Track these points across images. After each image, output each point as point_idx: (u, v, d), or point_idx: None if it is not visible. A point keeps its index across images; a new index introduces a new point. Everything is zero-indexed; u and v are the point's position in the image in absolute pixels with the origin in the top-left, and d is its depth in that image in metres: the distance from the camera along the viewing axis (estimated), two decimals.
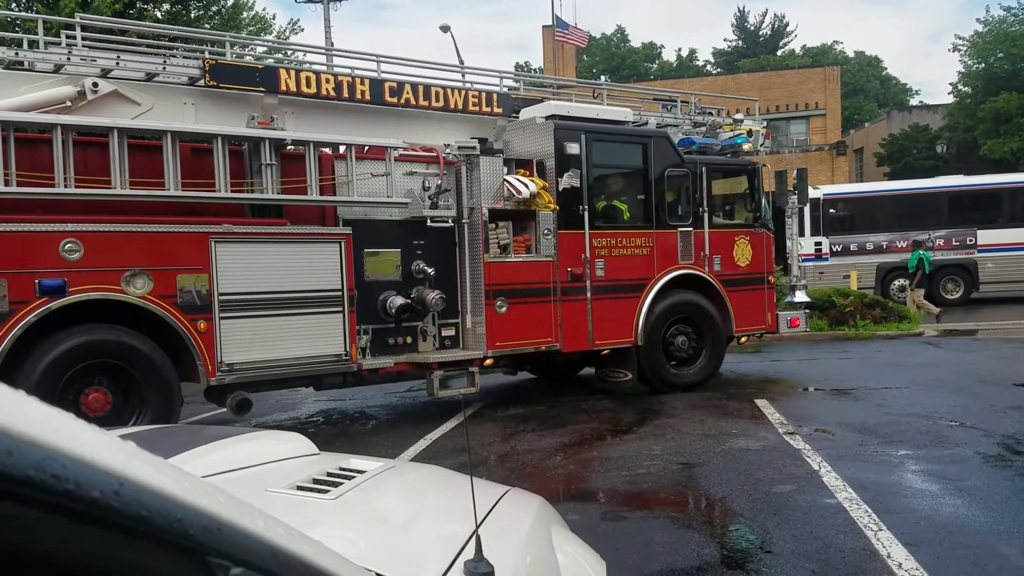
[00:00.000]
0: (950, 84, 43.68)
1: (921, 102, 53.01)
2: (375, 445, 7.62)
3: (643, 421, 8.28)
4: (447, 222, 8.51)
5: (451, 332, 8.73)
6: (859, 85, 60.29)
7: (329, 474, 1.69)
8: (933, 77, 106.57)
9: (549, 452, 7.04)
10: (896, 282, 21.60)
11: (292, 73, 8.29)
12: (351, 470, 1.74)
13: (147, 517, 0.56)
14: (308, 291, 7.55)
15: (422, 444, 7.51)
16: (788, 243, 15.86)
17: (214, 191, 7.21)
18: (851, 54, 65.85)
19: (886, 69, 68.11)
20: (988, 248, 21.09)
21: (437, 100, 9.09)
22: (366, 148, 8.17)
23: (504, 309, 8.63)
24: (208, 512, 0.60)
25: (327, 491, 1.55)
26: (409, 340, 8.42)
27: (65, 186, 6.54)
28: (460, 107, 9.24)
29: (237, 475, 1.69)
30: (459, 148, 8.57)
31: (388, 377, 8.71)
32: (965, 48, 37.73)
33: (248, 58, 9.28)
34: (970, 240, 21.30)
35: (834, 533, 4.57)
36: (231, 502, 0.63)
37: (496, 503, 1.68)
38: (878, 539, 4.39)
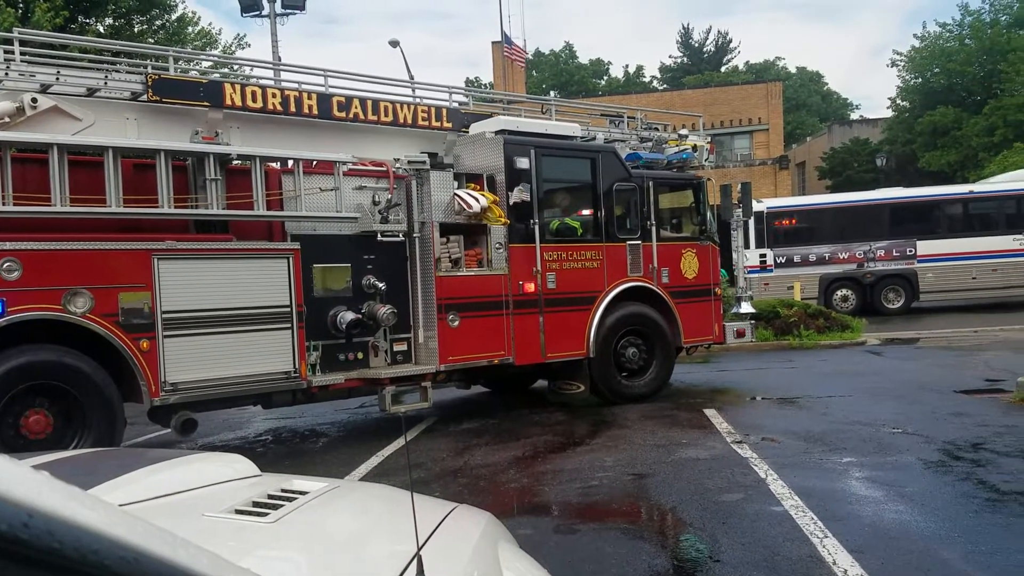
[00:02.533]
0: (889, 99, 45.01)
1: (861, 116, 54.64)
2: (326, 463, 7.52)
3: (595, 433, 8.32)
4: (398, 236, 8.47)
5: (403, 347, 8.68)
6: (801, 100, 61.83)
7: (270, 496, 1.65)
8: (873, 92, 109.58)
9: (503, 466, 7.03)
10: (839, 292, 22.15)
11: (237, 88, 8.18)
12: (293, 492, 1.71)
13: (58, 549, 0.54)
14: (255, 308, 7.43)
15: (374, 461, 7.43)
16: (734, 255, 16.19)
17: (157, 207, 7.07)
18: (793, 70, 67.53)
19: (827, 84, 70.00)
20: (928, 258, 21.73)
21: (386, 115, 9.06)
22: (314, 163, 8.10)
23: (456, 323, 8.61)
24: (125, 542, 0.58)
25: (266, 514, 1.52)
26: (360, 356, 8.34)
27: (3, 203, 6.38)
28: (410, 122, 9.22)
29: (173, 500, 1.64)
30: (409, 163, 8.55)
31: (339, 394, 8.61)
32: (903, 63, 39.05)
33: (193, 73, 9.13)
34: (910, 251, 21.93)
35: (781, 541, 4.65)
36: (150, 531, 0.61)
37: (442, 521, 1.66)
38: (824, 546, 4.47)
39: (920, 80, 38.23)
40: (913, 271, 21.84)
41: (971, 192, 22.92)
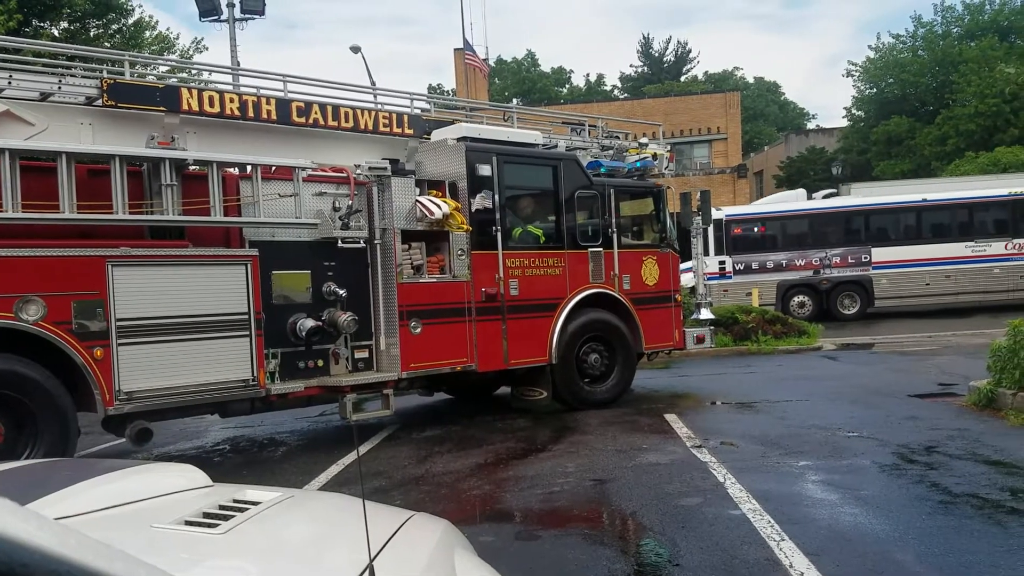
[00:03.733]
0: (844, 108, 45.95)
1: (818, 126, 55.74)
2: (284, 472, 7.43)
3: (558, 439, 8.34)
4: (359, 243, 8.42)
5: (364, 354, 8.61)
6: (759, 110, 62.86)
7: (221, 507, 1.63)
8: (829, 102, 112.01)
9: (465, 473, 7.01)
10: (796, 298, 22.51)
11: (194, 92, 8.08)
12: (245, 502, 1.68)
13: None
14: (212, 315, 7.33)
15: (334, 470, 7.36)
16: (693, 262, 16.37)
17: (111, 213, 6.94)
18: (751, 80, 68.62)
19: (784, 94, 71.29)
20: (882, 265, 22.19)
21: (347, 120, 9.01)
22: (273, 168, 8.02)
23: (419, 330, 8.58)
24: (57, 556, 0.57)
25: (216, 525, 1.49)
26: (321, 363, 8.26)
27: None
28: (371, 128, 9.18)
29: (121, 511, 1.61)
30: (370, 169, 8.51)
31: (299, 402, 8.51)
32: (858, 74, 39.92)
33: (151, 77, 8.99)
34: (865, 257, 22.37)
35: (739, 544, 4.70)
36: (85, 543, 0.60)
37: (397, 530, 1.65)
38: (781, 549, 4.53)
39: (874, 90, 39.12)
40: (868, 277, 22.28)
41: (924, 200, 23.45)
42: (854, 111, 41.17)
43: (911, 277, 22.04)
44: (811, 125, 61.58)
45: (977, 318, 19.26)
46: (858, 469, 6.39)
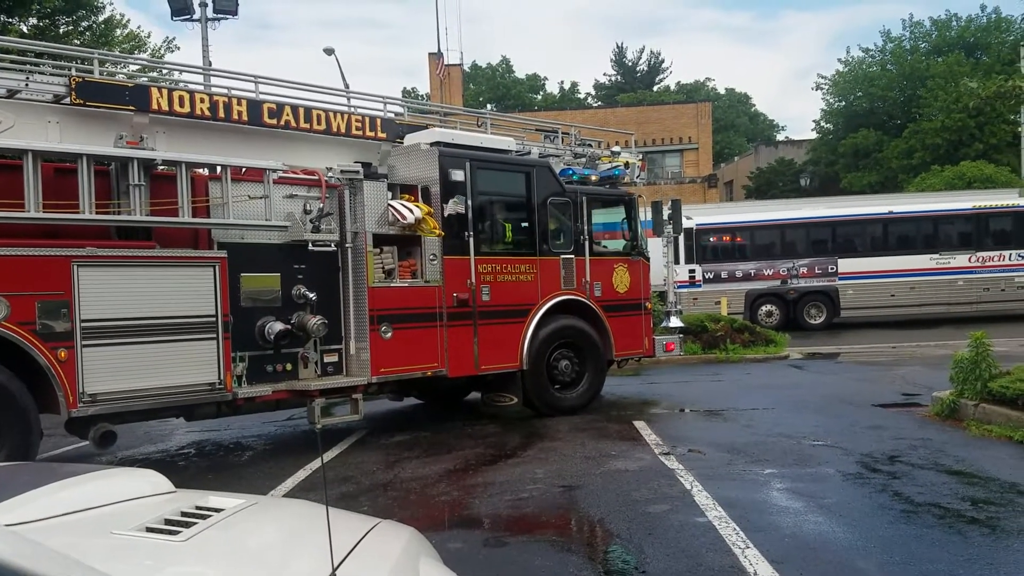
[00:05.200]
0: (813, 121, 46.67)
1: (787, 137, 56.53)
2: (250, 477, 7.35)
3: (527, 445, 8.34)
4: (330, 246, 8.37)
5: (334, 358, 8.56)
6: (729, 121, 63.54)
7: (183, 513, 1.61)
8: (798, 114, 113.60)
9: (434, 479, 6.98)
10: (763, 307, 22.76)
11: (164, 92, 7.99)
12: (208, 509, 1.66)
13: None
14: (179, 317, 7.25)
15: (301, 475, 7.29)
16: (664, 270, 16.49)
17: (78, 213, 6.83)
18: (722, 91, 69.31)
19: (755, 106, 72.07)
20: (848, 276, 22.51)
21: (319, 123, 8.97)
22: (243, 170, 7.95)
23: (389, 334, 8.54)
24: (11, 565, 0.56)
25: (178, 532, 1.47)
26: (289, 367, 8.19)
27: None
28: (343, 131, 9.14)
29: (82, 517, 1.58)
30: (342, 172, 8.47)
31: (266, 406, 8.44)
32: (827, 87, 40.51)
33: (120, 76, 8.88)
34: (831, 268, 22.69)
35: (704, 551, 4.73)
36: (40, 553, 0.59)
37: (362, 538, 1.64)
38: (745, 556, 4.57)
39: (843, 103, 39.71)
40: (835, 288, 22.60)
41: (890, 212, 23.85)
42: (823, 124, 41.76)
43: (876, 288, 22.39)
44: (781, 137, 62.42)
45: (941, 329, 19.60)
46: (822, 477, 6.47)
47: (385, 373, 8.58)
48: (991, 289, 21.95)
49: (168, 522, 1.54)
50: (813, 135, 43.42)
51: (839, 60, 53.72)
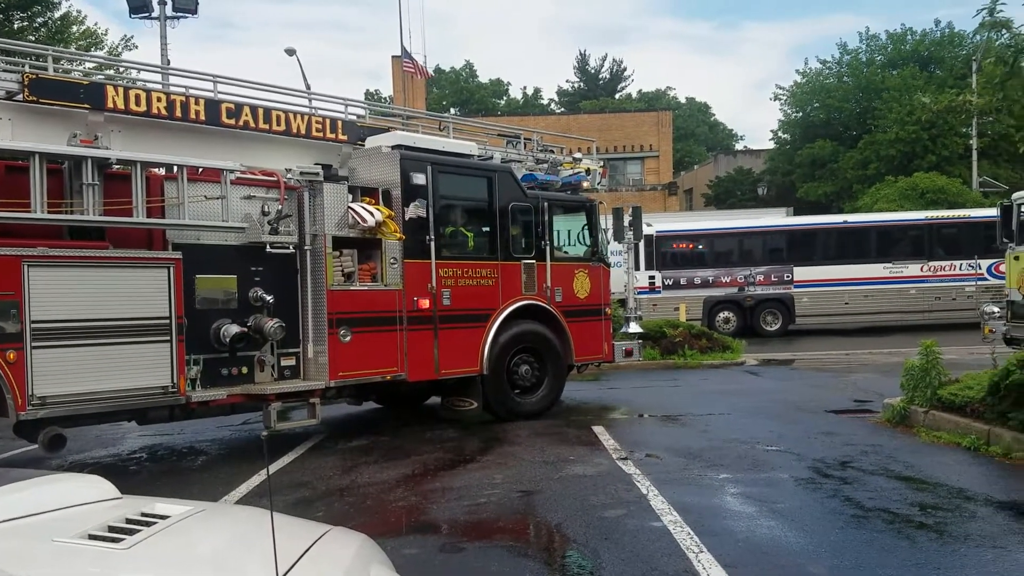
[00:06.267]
0: (771, 131, 47.41)
1: (745, 147, 57.32)
2: (204, 483, 7.24)
3: (486, 450, 8.34)
4: (288, 248, 8.28)
5: (291, 362, 8.46)
6: (689, 130, 64.29)
7: (128, 520, 1.58)
8: (757, 124, 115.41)
9: (391, 484, 6.94)
10: (721, 314, 23.09)
11: (120, 90, 7.84)
12: (154, 515, 1.63)
13: None
14: (132, 319, 7.12)
15: (256, 480, 7.19)
16: (625, 277, 16.64)
17: (29, 212, 6.68)
18: (683, 100, 70.15)
19: (714, 115, 73.01)
20: (803, 284, 22.95)
21: (278, 124, 8.87)
22: (200, 170, 7.84)
23: (348, 338, 8.47)
24: None
25: (121, 540, 1.44)
26: (245, 370, 8.08)
27: None
28: (303, 132, 9.05)
29: (23, 523, 1.54)
30: (302, 173, 8.40)
31: (221, 410, 8.31)
32: (785, 97, 41.12)
33: (76, 74, 8.70)
34: (787, 276, 23.10)
35: (659, 556, 4.77)
36: None
37: (311, 545, 1.62)
38: (699, 560, 4.62)
39: (800, 114, 40.36)
40: (790, 295, 23.01)
41: (845, 222, 24.40)
42: (780, 134, 42.37)
43: (831, 296, 22.84)
44: (739, 146, 63.26)
45: (893, 337, 20.02)
46: (776, 482, 6.57)
47: (344, 377, 8.51)
48: (942, 298, 22.51)
49: (112, 529, 1.51)
50: (771, 145, 44.06)
51: (797, 71, 54.68)
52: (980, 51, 5.61)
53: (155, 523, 1.58)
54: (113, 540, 1.45)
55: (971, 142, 29.27)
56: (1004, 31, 5.35)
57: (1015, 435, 7.10)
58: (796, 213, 29.12)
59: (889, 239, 23.35)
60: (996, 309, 14.33)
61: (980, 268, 22.08)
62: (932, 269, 22.76)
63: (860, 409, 10.24)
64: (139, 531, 1.50)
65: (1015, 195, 14.70)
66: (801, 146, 38.75)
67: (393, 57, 40.67)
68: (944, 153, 32.54)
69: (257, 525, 1.84)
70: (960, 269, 22.48)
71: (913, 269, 22.80)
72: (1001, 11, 5.44)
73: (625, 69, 67.36)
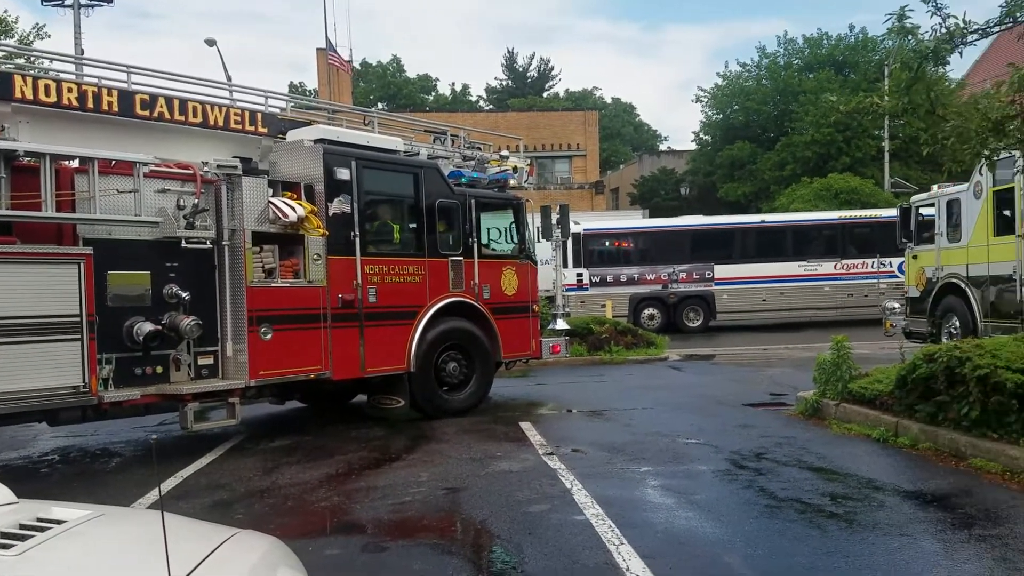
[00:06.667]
0: (693, 132, 48.39)
1: (669, 147, 58.40)
2: (117, 485, 6.99)
3: (413, 448, 8.29)
4: (205, 244, 8.07)
5: (209, 361, 8.24)
6: (615, 130, 65.17)
7: (22, 526, 1.51)
8: (680, 125, 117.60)
9: (313, 484, 6.83)
10: (646, 311, 23.53)
11: (28, 80, 7.51)
12: (50, 520, 1.56)
13: None
14: (40, 316, 6.83)
15: (172, 482, 7.00)
16: (553, 274, 16.78)
17: None
18: (609, 100, 71.01)
19: (639, 115, 74.12)
20: (723, 281, 23.59)
21: (195, 115, 8.63)
22: (113, 163, 7.56)
23: (269, 336, 8.30)
24: None
25: (12, 546, 1.38)
26: (160, 370, 7.84)
27: None
28: (221, 124, 8.83)
29: None
30: (219, 166, 8.18)
31: (136, 410, 8.08)
32: (706, 100, 42.03)
33: None
34: (708, 274, 23.71)
35: (580, 549, 4.83)
36: None
37: (214, 550, 1.58)
38: (619, 553, 4.70)
39: (721, 116, 41.31)
40: (711, 292, 23.63)
41: (763, 222, 25.17)
42: (702, 135, 43.28)
43: (749, 293, 23.53)
44: (663, 147, 64.38)
45: (809, 332, 20.71)
46: (694, 474, 6.73)
47: (265, 376, 8.33)
48: (855, 295, 23.41)
49: (2, 535, 1.44)
50: (692, 146, 44.98)
51: (718, 74, 55.88)
52: (892, 56, 5.87)
53: (51, 528, 1.51)
54: (3, 546, 1.38)
55: (883, 144, 30.49)
56: (910, 37, 5.59)
57: (922, 427, 7.43)
58: (717, 213, 29.84)
59: (804, 238, 24.20)
60: (896, 305, 15.25)
61: (891, 266, 23.03)
62: (845, 267, 23.66)
63: (776, 402, 10.58)
64: (33, 536, 1.44)
65: (914, 198, 15.66)
66: (721, 147, 39.65)
67: (318, 50, 40.02)
68: (857, 155, 33.79)
69: (158, 529, 1.78)
70: (872, 267, 23.41)
71: (827, 267, 23.66)
72: (909, 18, 5.69)
73: (552, 68, 67.83)
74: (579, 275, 23.29)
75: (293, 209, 8.34)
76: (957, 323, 13.12)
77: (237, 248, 8.21)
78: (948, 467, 6.63)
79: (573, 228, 20.80)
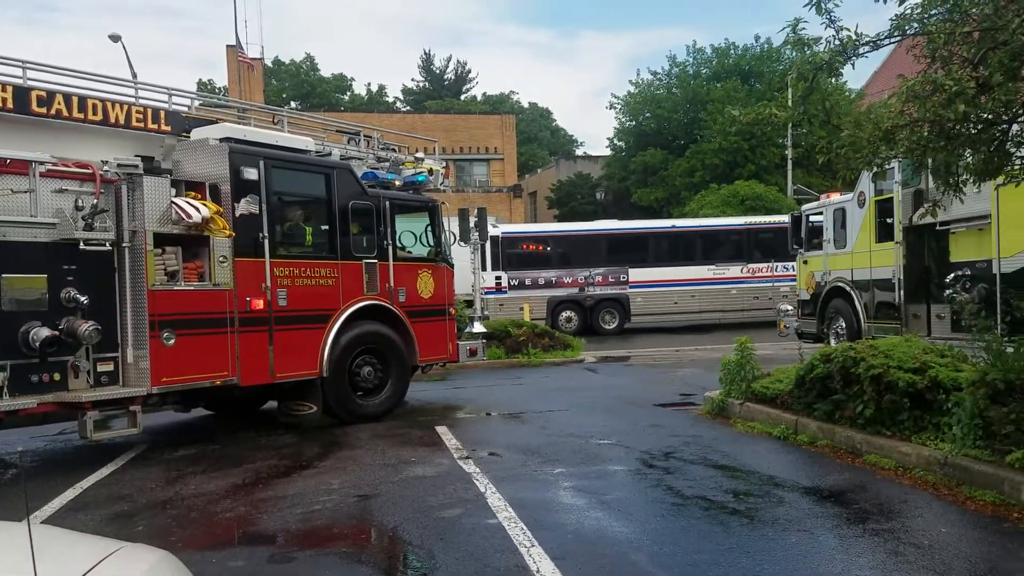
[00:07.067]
0: (608, 138, 49.19)
1: (585, 153, 59.10)
2: (14, 497, 6.63)
3: (325, 455, 8.15)
4: (104, 246, 7.77)
5: (109, 367, 7.93)
6: (533, 134, 65.61)
7: None
8: (596, 131, 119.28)
9: (219, 495, 6.64)
10: (564, 313, 23.83)
11: None
12: None
13: None
14: None
15: (71, 494, 6.70)
16: (472, 277, 16.80)
17: None
18: (526, 104, 71.45)
19: (556, 121, 74.81)
20: (638, 284, 24.10)
21: (95, 113, 8.30)
22: (8, 161, 7.20)
23: (172, 341, 8.03)
24: None
25: None
26: (58, 377, 7.51)
27: None
28: (122, 122, 8.51)
29: None
30: (119, 165, 7.88)
31: (32, 419, 7.77)
32: (620, 106, 42.78)
33: None
34: (623, 277, 24.18)
35: (492, 552, 4.85)
36: None
37: (96, 564, 1.51)
38: (530, 555, 4.73)
39: (634, 123, 42.12)
40: (626, 295, 24.11)
41: (674, 227, 25.85)
42: (616, 141, 44.03)
43: (662, 296, 24.13)
44: (580, 152, 65.20)
45: (718, 334, 21.34)
46: (606, 475, 6.84)
47: (167, 383, 8.06)
48: (760, 298, 24.25)
49: None
50: (607, 152, 45.69)
51: (630, 82, 56.94)
52: (794, 68, 6.11)
53: None
54: None
55: (786, 152, 31.67)
56: (806, 49, 5.82)
57: (819, 424, 7.75)
58: (632, 218, 30.44)
59: (713, 243, 24.98)
60: (789, 307, 16.17)
61: (792, 270, 23.93)
62: (751, 271, 24.51)
63: (685, 402, 10.85)
64: None
65: (804, 207, 16.63)
66: (635, 154, 40.43)
67: (228, 47, 38.98)
68: (762, 162, 34.99)
69: (41, 544, 1.69)
70: (776, 271, 24.30)
71: (734, 271, 24.46)
72: (804, 29, 5.92)
73: (470, 71, 67.87)
74: (498, 278, 23.40)
75: (197, 210, 8.10)
76: (843, 324, 13.92)
77: (138, 250, 7.92)
78: (845, 463, 6.92)
79: (492, 231, 20.91)
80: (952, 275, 10.71)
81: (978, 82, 5.45)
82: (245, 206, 8.65)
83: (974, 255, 10.45)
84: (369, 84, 70.31)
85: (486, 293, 21.39)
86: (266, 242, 8.91)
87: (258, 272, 8.85)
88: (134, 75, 23.89)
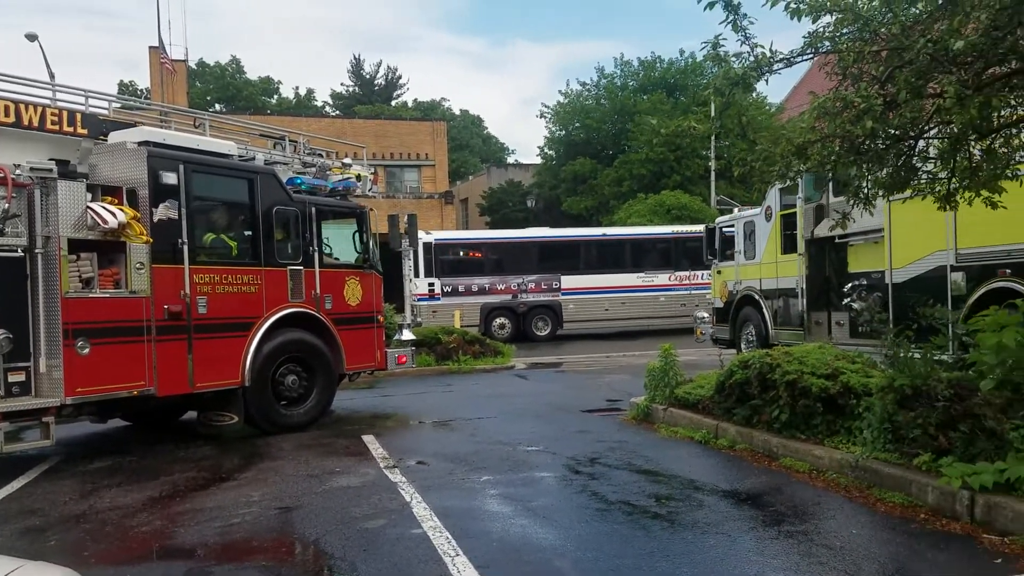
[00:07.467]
0: (538, 147, 49.58)
1: (516, 161, 59.46)
2: None
3: (246, 466, 7.98)
4: (16, 252, 7.51)
5: (21, 377, 7.63)
6: (464, 141, 65.66)
7: None
8: (526, 139, 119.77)
9: (135, 508, 6.43)
10: (497, 320, 23.92)
11: None
12: None
13: None
14: None
15: None
16: (406, 284, 16.68)
17: None
18: (457, 112, 71.46)
19: (487, 128, 75.02)
20: (570, 291, 24.38)
21: (7, 115, 8.02)
22: None
23: (87, 350, 7.76)
24: None
25: None
26: None
27: None
28: (36, 124, 8.21)
29: None
30: (32, 169, 7.59)
31: None
32: (550, 116, 43.24)
33: None
34: (555, 284, 24.43)
35: (416, 563, 4.82)
36: None
37: None
38: (454, 564, 4.73)
39: (563, 132, 42.61)
40: (558, 302, 24.36)
41: (604, 235, 26.24)
42: (546, 150, 44.46)
43: (593, 303, 24.46)
44: (511, 160, 65.49)
45: (646, 340, 21.68)
46: (532, 481, 6.88)
47: (83, 393, 7.79)
48: (687, 305, 24.78)
49: None
50: (538, 160, 46.06)
51: (560, 92, 57.59)
52: (712, 83, 6.36)
53: None
54: None
55: (709, 164, 32.46)
56: (724, 64, 6.01)
57: (738, 429, 7.96)
58: (562, 226, 30.75)
59: (642, 251, 25.45)
60: (705, 314, 16.84)
61: None
62: (678, 279, 25.05)
63: (611, 408, 11.00)
64: None
65: (717, 219, 17.43)
66: (565, 162, 40.91)
67: (151, 48, 37.91)
68: (687, 173, 35.80)
69: None
70: (702, 278, 24.84)
71: (662, 278, 24.97)
72: (723, 46, 6.10)
73: (400, 77, 67.41)
74: (431, 285, 23.34)
75: (113, 215, 7.85)
76: (753, 331, 14.48)
77: (51, 256, 7.65)
78: (762, 467, 7.12)
79: (424, 238, 20.83)
80: (850, 284, 11.39)
81: (886, 99, 5.70)
82: (163, 211, 8.42)
83: (870, 266, 11.13)
84: (297, 88, 69.10)
85: (419, 300, 21.31)
86: (185, 248, 8.70)
87: (177, 279, 8.62)
88: (51, 76, 23.02)
